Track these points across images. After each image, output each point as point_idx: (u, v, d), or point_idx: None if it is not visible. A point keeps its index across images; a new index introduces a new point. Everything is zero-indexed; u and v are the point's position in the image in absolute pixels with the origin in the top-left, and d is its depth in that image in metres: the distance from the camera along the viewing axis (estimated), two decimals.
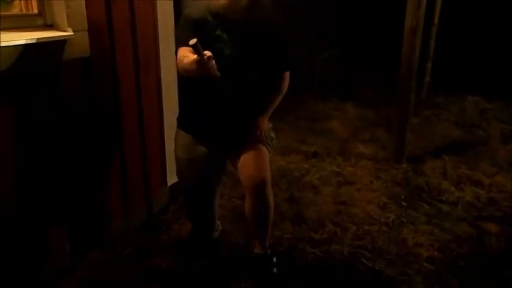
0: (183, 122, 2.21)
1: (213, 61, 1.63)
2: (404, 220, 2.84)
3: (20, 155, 1.93)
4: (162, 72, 2.65)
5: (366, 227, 2.73)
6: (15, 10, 2.01)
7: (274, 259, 2.28)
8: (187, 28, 1.92)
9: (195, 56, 1.60)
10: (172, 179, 2.82)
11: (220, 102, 2.01)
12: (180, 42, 1.91)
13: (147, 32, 2.49)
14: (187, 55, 1.76)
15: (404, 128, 3.65)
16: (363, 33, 6.48)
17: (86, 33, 2.08)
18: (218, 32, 1.93)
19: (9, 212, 1.94)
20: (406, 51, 3.43)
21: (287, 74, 2.18)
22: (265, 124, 2.16)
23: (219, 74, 1.68)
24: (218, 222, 2.60)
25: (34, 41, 1.80)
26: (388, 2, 5.87)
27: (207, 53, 1.60)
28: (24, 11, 2.01)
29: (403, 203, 3.05)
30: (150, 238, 2.58)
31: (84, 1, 2.04)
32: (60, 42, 1.97)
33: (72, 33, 1.98)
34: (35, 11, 1.99)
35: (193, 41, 1.54)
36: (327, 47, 5.92)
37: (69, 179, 2.18)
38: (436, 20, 5.27)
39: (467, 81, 5.74)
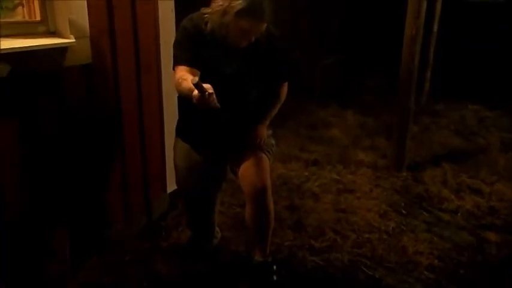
0: (181, 132, 2.22)
1: (214, 96, 1.59)
2: (404, 228, 2.83)
3: (22, 161, 1.93)
4: (163, 79, 2.66)
5: (366, 235, 2.73)
6: (18, 17, 2.02)
7: (275, 267, 2.27)
8: (185, 45, 1.90)
9: (195, 90, 1.56)
10: (172, 185, 2.81)
11: (217, 119, 2.01)
12: (178, 60, 1.89)
13: (149, 38, 2.51)
14: (185, 78, 1.75)
15: (404, 135, 3.66)
16: (363, 40, 6.51)
17: (88, 40, 2.10)
18: (217, 51, 1.91)
19: (11, 216, 1.94)
20: (405, 59, 3.45)
21: (285, 82, 2.19)
22: (264, 132, 2.17)
23: (218, 106, 1.63)
24: (217, 229, 2.60)
25: (36, 48, 1.81)
26: (388, 10, 5.92)
27: (209, 88, 1.57)
28: (26, 18, 2.02)
29: (403, 211, 3.05)
30: (150, 244, 2.57)
31: (86, 8, 2.06)
32: (62, 49, 1.98)
33: (74, 40, 1.99)
34: (38, 18, 2.00)
35: (194, 80, 1.53)
36: (328, 54, 5.94)
37: (70, 185, 2.18)
38: (435, 28, 5.31)
39: (467, 89, 5.77)
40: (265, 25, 1.85)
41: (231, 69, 1.95)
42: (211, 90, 1.57)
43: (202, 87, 1.54)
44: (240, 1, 1.74)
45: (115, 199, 2.49)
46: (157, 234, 2.67)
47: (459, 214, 3.03)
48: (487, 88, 5.84)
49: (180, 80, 1.79)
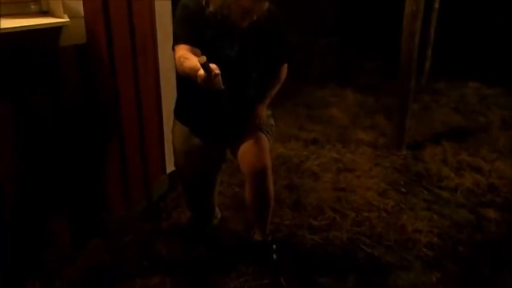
0: (179, 114, 2.19)
1: (220, 76, 1.55)
2: (404, 206, 2.84)
3: (18, 148, 1.91)
4: (159, 59, 2.63)
5: (365, 214, 2.74)
6: None
7: (274, 246, 2.29)
8: (186, 24, 1.85)
9: (201, 70, 1.52)
10: (171, 166, 2.81)
11: (217, 101, 1.99)
12: (179, 38, 1.84)
13: (144, 18, 2.47)
14: (187, 57, 1.72)
15: (404, 114, 3.63)
16: (362, 19, 6.44)
17: (82, 19, 2.06)
18: (219, 31, 1.87)
19: (9, 205, 1.93)
20: (406, 37, 3.41)
21: (286, 63, 2.17)
22: (264, 112, 2.15)
23: (223, 87, 1.60)
24: (217, 209, 2.60)
25: (29, 28, 1.78)
26: None
27: (215, 68, 1.52)
28: None
29: (403, 190, 3.05)
30: (150, 225, 2.58)
31: None
32: (56, 29, 1.94)
33: (68, 19, 1.95)
34: None
35: (202, 60, 1.49)
36: (325, 34, 5.87)
37: (68, 168, 2.17)
38: (436, 5, 5.23)
39: (468, 67, 5.72)
40: (267, 4, 1.81)
41: (232, 50, 1.92)
42: (217, 71, 1.53)
43: (209, 67, 1.51)
44: None
45: (114, 182, 2.48)
46: (157, 216, 2.68)
47: (459, 192, 3.03)
48: (488, 66, 5.79)
49: (181, 59, 1.75)
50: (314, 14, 5.83)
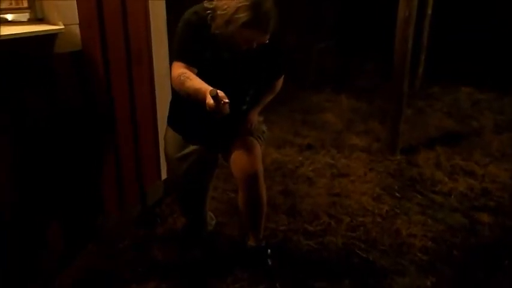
0: (172, 121, 2.19)
1: (227, 104, 1.56)
2: (398, 211, 2.85)
3: (14, 154, 1.91)
4: (154, 65, 2.64)
5: (360, 219, 2.75)
6: (5, 4, 1.98)
7: (269, 251, 2.29)
8: (187, 42, 1.83)
9: (209, 98, 1.55)
10: (166, 172, 2.81)
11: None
12: (177, 56, 1.83)
13: (139, 24, 2.47)
14: (188, 76, 1.72)
15: (398, 119, 3.66)
16: (358, 24, 6.47)
17: (77, 26, 2.06)
18: (220, 50, 1.86)
19: (4, 209, 1.93)
20: (399, 42, 3.44)
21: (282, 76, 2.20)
22: (255, 117, 2.17)
23: (229, 111, 1.60)
24: (212, 215, 2.61)
25: (24, 36, 1.78)
26: None
27: (223, 97, 1.54)
28: (13, 5, 1.98)
29: (397, 194, 3.06)
30: (146, 231, 2.58)
31: None
32: (51, 36, 1.95)
33: (63, 26, 1.96)
34: (25, 4, 1.97)
35: (213, 92, 1.52)
36: (322, 38, 5.90)
37: (64, 173, 2.17)
38: (429, 11, 5.28)
39: (461, 72, 5.77)
40: (268, 36, 1.79)
41: (233, 69, 1.93)
42: (226, 100, 1.54)
43: (219, 97, 1.52)
44: (246, 13, 1.67)
45: (110, 187, 2.48)
46: (153, 221, 2.68)
47: (452, 196, 3.05)
48: (481, 70, 5.84)
49: (182, 78, 1.74)
50: (313, 14, 5.85)
